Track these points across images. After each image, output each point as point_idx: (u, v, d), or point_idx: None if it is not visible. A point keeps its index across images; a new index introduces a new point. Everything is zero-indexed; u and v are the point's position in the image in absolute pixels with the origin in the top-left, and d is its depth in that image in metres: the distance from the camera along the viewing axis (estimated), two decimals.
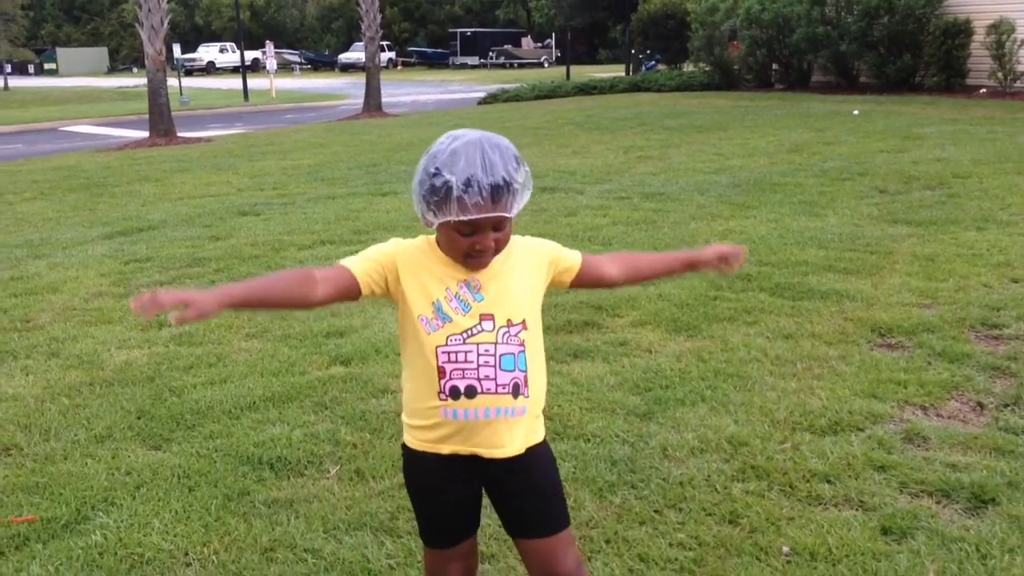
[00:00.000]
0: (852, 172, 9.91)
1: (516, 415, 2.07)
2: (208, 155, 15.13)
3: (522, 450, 2.10)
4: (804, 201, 8.50)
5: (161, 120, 18.24)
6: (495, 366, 2.03)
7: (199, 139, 18.43)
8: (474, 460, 2.10)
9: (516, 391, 2.05)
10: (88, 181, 12.36)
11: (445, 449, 2.10)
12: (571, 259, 2.21)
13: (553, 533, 2.15)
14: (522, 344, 2.06)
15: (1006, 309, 5.11)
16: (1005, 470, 3.35)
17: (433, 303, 2.03)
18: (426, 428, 2.11)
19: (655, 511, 3.21)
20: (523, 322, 2.07)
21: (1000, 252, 6.32)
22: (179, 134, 18.49)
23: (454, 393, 2.04)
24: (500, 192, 1.90)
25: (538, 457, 2.15)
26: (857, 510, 3.16)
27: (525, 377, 2.06)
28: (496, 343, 2.04)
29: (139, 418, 4.19)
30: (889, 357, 4.55)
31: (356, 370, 4.69)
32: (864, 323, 5.03)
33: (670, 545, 3.00)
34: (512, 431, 2.08)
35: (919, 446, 3.62)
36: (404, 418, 2.18)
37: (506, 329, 2.04)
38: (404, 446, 2.19)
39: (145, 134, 18.68)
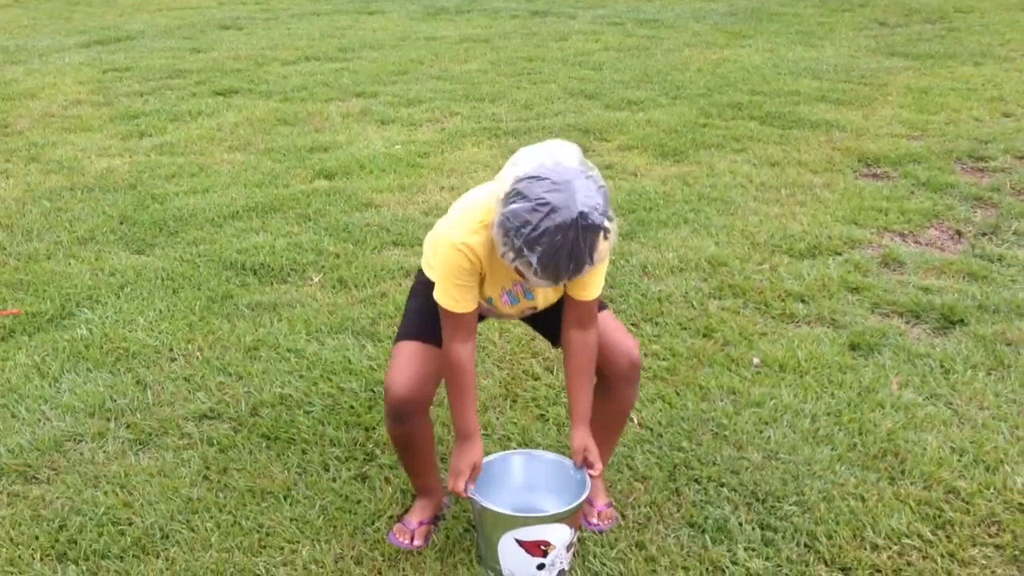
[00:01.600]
0: (852, 3, 9.64)
1: None
2: None
3: None
4: (801, 31, 8.30)
5: None
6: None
7: None
8: None
9: None
10: None
11: None
12: (585, 289, 2.06)
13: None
14: None
15: (994, 142, 5.09)
16: (976, 294, 3.41)
17: (487, 298, 2.09)
18: None
19: (632, 324, 3.28)
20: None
21: (994, 87, 6.24)
22: None
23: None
24: (576, 275, 1.84)
25: None
26: (828, 327, 3.23)
27: None
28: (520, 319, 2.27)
29: (121, 223, 4.19)
30: (873, 186, 4.56)
31: (340, 184, 4.67)
32: (851, 153, 5.01)
33: (645, 356, 3.07)
34: None
35: (894, 270, 3.67)
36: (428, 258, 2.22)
37: (533, 310, 2.19)
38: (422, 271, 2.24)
39: None
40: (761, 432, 2.64)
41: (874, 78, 6.57)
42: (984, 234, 3.96)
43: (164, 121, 5.77)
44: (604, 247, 1.83)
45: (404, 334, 2.18)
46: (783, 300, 3.42)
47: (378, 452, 2.59)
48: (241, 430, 2.69)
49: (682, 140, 5.28)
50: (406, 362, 2.11)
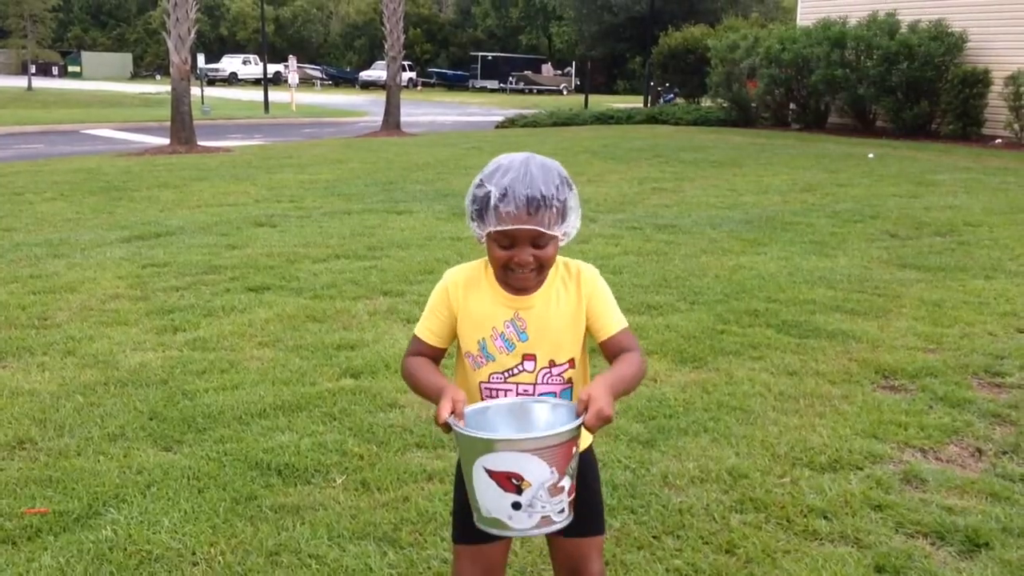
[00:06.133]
0: (864, 215, 9.98)
1: None
2: (227, 165, 15.29)
3: None
4: (815, 241, 8.58)
5: (182, 128, 18.43)
6: None
7: (218, 149, 18.62)
8: None
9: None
10: (108, 184, 12.51)
11: None
12: (602, 326, 2.16)
13: (584, 535, 2.24)
14: (568, 382, 2.17)
15: (1010, 358, 5.17)
16: (1000, 516, 3.40)
17: (479, 341, 2.14)
18: None
19: (653, 537, 3.27)
20: (570, 361, 2.16)
21: (1007, 302, 6.39)
22: (199, 143, 18.67)
23: None
24: (537, 205, 1.98)
25: (582, 463, 2.21)
26: (852, 547, 3.22)
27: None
28: (535, 383, 2.14)
29: (151, 419, 4.28)
30: (891, 399, 4.61)
31: (365, 383, 4.76)
32: (868, 364, 5.09)
33: (667, 571, 3.06)
34: None
35: (917, 488, 3.67)
36: None
37: (547, 370, 2.15)
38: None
39: (166, 141, 18.88)
40: None
41: (887, 289, 6.75)
42: (1005, 453, 3.98)
43: (198, 316, 5.96)
44: (569, 197, 2.04)
45: (456, 536, 2.28)
46: (805, 516, 3.42)
47: None
48: None
49: (700, 346, 5.39)
50: (468, 562, 2.23)
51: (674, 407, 4.46)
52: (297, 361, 5.12)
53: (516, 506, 1.91)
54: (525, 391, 2.13)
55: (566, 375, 2.16)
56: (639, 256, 7.90)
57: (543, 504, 1.91)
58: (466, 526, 2.24)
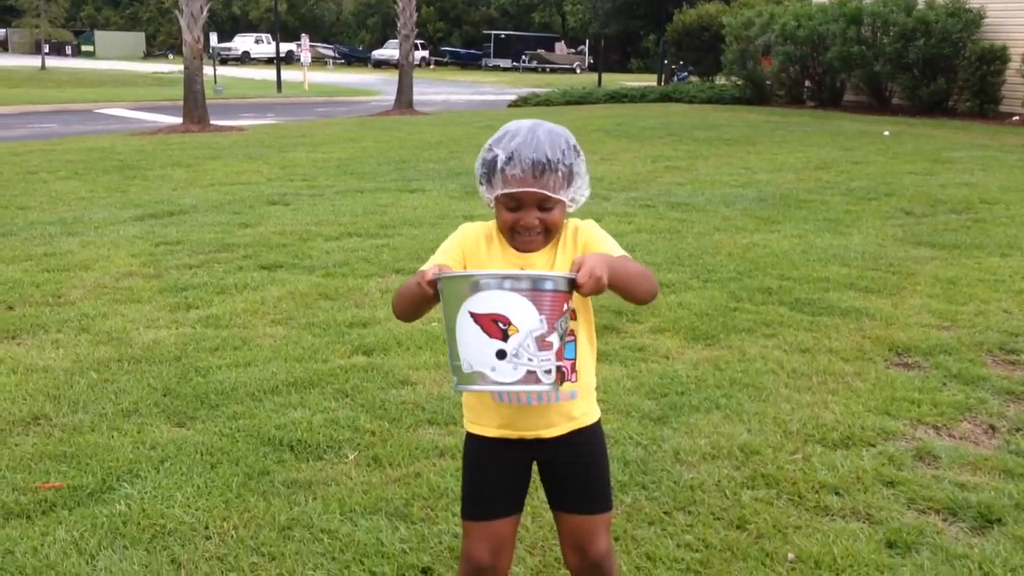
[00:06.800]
0: (879, 192, 9.92)
1: (563, 400, 2.18)
2: (240, 144, 15.29)
3: (567, 431, 2.20)
4: (829, 219, 8.53)
5: (195, 107, 18.42)
6: None
7: (231, 128, 18.61)
8: (521, 441, 2.21)
9: (562, 378, 2.05)
10: (121, 163, 12.54)
11: (494, 433, 2.21)
12: None
13: (591, 512, 2.25)
14: (570, 333, 2.16)
15: None
16: (1013, 492, 3.39)
17: None
18: (479, 412, 2.23)
19: (664, 512, 3.28)
20: (572, 312, 2.15)
21: (1023, 279, 6.33)
22: (212, 122, 18.66)
23: None
24: (542, 169, 2.02)
25: (588, 438, 2.24)
26: (864, 523, 3.21)
27: (572, 364, 2.17)
28: None
29: (165, 395, 4.30)
30: (905, 376, 4.59)
31: (378, 360, 4.77)
32: (882, 341, 5.06)
33: (677, 546, 3.06)
34: (559, 414, 2.19)
35: (929, 464, 3.66)
36: (463, 400, 2.30)
37: None
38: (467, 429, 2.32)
39: (179, 120, 18.88)
40: None
41: (902, 267, 6.70)
42: (1019, 430, 3.96)
43: (211, 294, 5.98)
44: (575, 162, 2.07)
45: (464, 513, 2.28)
46: (817, 492, 3.41)
47: None
48: None
49: (713, 324, 5.38)
50: (477, 538, 2.23)
51: (686, 384, 4.46)
52: (309, 338, 5.13)
53: (501, 355, 1.80)
54: None
55: (569, 326, 2.16)
56: (652, 234, 7.88)
57: (530, 356, 1.81)
58: (476, 503, 2.25)
